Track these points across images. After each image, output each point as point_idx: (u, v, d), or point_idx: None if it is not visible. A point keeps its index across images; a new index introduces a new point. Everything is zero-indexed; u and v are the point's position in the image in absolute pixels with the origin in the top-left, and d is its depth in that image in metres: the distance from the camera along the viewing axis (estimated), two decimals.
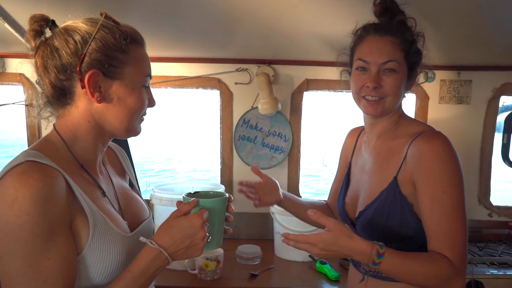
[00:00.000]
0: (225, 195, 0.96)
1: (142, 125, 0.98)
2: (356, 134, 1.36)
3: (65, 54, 0.84)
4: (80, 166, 0.90)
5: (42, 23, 0.86)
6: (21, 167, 0.77)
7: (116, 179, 1.07)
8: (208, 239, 0.88)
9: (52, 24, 0.87)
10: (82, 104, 0.88)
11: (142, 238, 0.87)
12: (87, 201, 0.84)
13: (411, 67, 1.13)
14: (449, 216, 1.01)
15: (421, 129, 1.11)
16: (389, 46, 1.09)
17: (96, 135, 0.91)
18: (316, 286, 1.68)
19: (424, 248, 1.05)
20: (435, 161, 1.03)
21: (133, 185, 1.17)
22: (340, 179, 1.39)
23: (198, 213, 0.87)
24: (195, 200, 0.89)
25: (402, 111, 1.20)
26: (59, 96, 0.88)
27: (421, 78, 1.21)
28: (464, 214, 1.02)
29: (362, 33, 1.15)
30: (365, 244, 0.96)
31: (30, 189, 0.74)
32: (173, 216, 0.88)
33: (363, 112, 1.17)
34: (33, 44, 0.87)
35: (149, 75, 0.93)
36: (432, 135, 1.08)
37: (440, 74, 2.14)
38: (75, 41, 0.84)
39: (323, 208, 1.49)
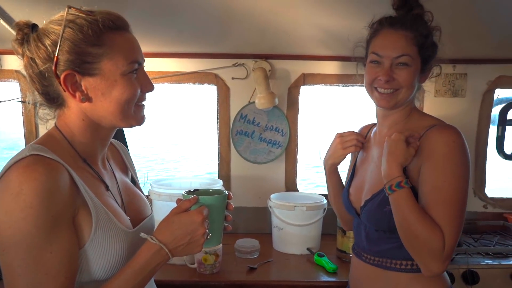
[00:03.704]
0: (225, 192, 0.97)
1: (146, 113, 0.95)
2: (366, 130, 1.39)
3: (39, 61, 0.84)
4: (83, 161, 0.91)
5: (26, 31, 0.85)
6: (26, 160, 0.78)
7: (119, 175, 1.07)
8: (208, 236, 0.89)
9: (32, 29, 0.85)
10: (73, 105, 0.88)
11: (142, 234, 0.88)
12: (90, 196, 0.85)
13: (425, 60, 1.15)
14: (446, 204, 1.02)
15: (433, 123, 1.13)
16: (403, 41, 1.11)
17: (94, 132, 0.91)
18: (314, 278, 1.70)
19: None
20: (443, 150, 1.04)
21: (135, 182, 1.17)
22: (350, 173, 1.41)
23: (198, 210, 0.88)
24: (196, 197, 0.90)
25: (414, 104, 1.22)
26: (50, 101, 0.89)
27: (435, 71, 1.23)
28: (463, 208, 1.04)
29: (377, 27, 1.17)
30: (398, 171, 1.06)
31: (34, 182, 0.74)
32: (174, 213, 0.89)
33: (376, 104, 1.20)
34: (20, 52, 0.86)
35: (135, 61, 0.87)
36: (444, 127, 1.10)
37: (435, 68, 2.14)
38: (45, 45, 0.83)
39: None
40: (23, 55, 0.86)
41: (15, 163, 0.78)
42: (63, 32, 0.81)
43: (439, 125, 1.11)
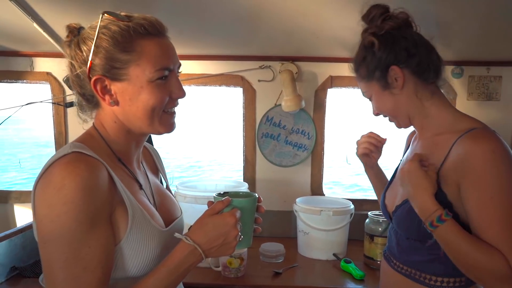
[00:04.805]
0: (255, 195, 0.97)
1: (176, 120, 0.95)
2: (413, 134, 1.32)
3: (76, 65, 0.87)
4: (118, 160, 0.93)
5: (75, 33, 0.89)
6: (68, 157, 0.80)
7: (151, 176, 1.09)
8: (240, 238, 0.89)
9: (78, 33, 0.89)
10: (106, 107, 0.90)
11: (177, 234, 0.89)
12: (127, 194, 0.87)
13: (378, 76, 1.12)
14: (498, 224, 0.94)
15: (469, 126, 1.02)
16: (362, 84, 1.19)
17: (126, 134, 0.93)
18: (340, 285, 1.67)
19: None
20: (481, 164, 0.95)
21: (166, 184, 1.19)
22: None
23: (231, 212, 0.88)
24: (228, 199, 0.90)
25: (444, 100, 1.13)
26: (87, 101, 0.92)
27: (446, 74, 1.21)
28: None
29: None
30: (433, 204, 0.98)
31: (76, 178, 0.76)
32: (207, 214, 0.89)
33: None
34: (68, 54, 0.90)
35: (164, 68, 0.87)
36: (480, 133, 0.99)
37: (468, 70, 2.08)
38: (81, 50, 0.86)
39: None
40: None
41: (57, 159, 0.80)
42: (97, 38, 0.84)
43: (475, 131, 0.99)
